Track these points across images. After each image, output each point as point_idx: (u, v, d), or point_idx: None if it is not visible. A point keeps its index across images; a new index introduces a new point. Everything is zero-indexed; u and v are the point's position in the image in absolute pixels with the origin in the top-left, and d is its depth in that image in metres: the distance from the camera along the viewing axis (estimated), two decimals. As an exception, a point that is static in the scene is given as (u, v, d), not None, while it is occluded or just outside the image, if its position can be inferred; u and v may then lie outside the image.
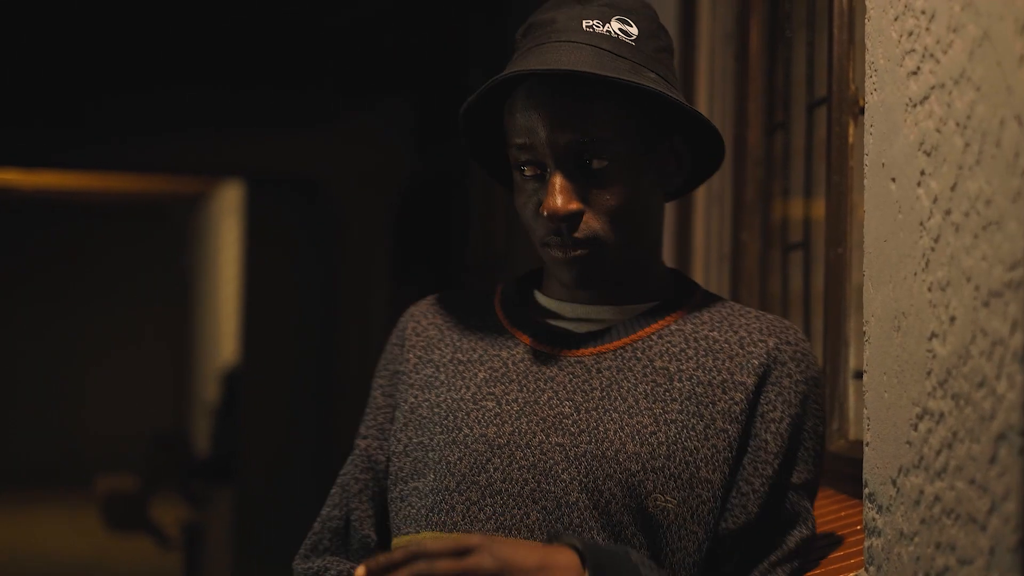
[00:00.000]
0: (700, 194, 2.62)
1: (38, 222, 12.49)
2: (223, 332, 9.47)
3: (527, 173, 1.40)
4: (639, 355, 1.41)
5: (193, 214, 12.15)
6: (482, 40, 5.01)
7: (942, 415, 1.18)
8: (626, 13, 1.41)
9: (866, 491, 1.37)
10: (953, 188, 1.17)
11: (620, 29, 1.40)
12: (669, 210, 2.72)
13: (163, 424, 11.29)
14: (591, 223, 1.38)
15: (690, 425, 1.37)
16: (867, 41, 1.39)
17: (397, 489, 1.43)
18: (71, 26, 5.73)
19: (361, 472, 1.48)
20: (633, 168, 1.39)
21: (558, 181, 1.37)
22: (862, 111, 1.81)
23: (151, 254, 12.81)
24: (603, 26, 1.39)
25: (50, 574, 8.08)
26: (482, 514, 1.36)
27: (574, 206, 1.37)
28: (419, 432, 1.44)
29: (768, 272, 2.39)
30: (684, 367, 1.40)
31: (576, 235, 1.38)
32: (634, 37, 1.40)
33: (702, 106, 2.62)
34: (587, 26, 1.39)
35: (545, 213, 1.37)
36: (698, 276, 2.64)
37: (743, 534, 1.36)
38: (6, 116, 6.20)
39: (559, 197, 1.37)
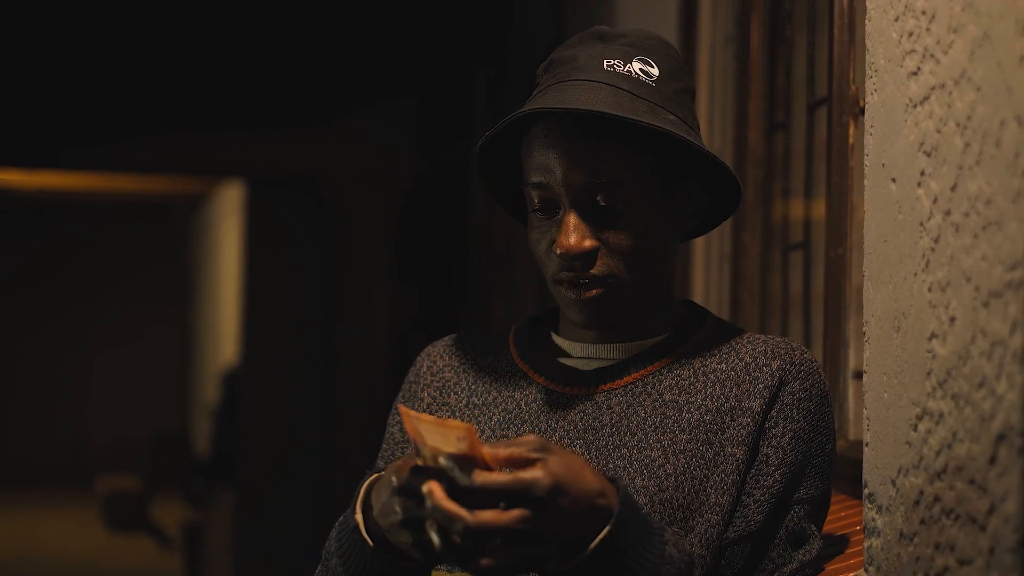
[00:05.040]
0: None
1: (40, 222, 12.50)
2: (224, 332, 9.47)
3: (541, 211, 1.41)
4: (649, 390, 1.41)
5: (194, 214, 12.15)
6: (484, 40, 5.01)
7: (942, 415, 1.18)
8: (648, 53, 1.41)
9: (866, 491, 1.37)
10: (953, 188, 1.17)
11: (641, 69, 1.39)
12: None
13: (164, 424, 11.29)
14: (607, 261, 1.38)
15: (699, 453, 1.36)
16: (867, 41, 1.39)
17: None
18: (73, 26, 5.73)
19: None
20: (649, 210, 1.39)
21: (572, 220, 1.37)
22: (862, 111, 1.81)
23: (152, 254, 12.82)
24: (624, 66, 1.39)
25: (51, 574, 8.08)
26: None
27: (588, 244, 1.37)
28: None
29: (768, 272, 2.39)
30: (693, 399, 1.40)
31: (593, 272, 1.38)
32: (655, 78, 1.39)
33: (703, 107, 2.62)
34: (608, 65, 1.39)
35: (558, 251, 1.37)
36: (698, 276, 2.64)
37: (744, 544, 1.35)
38: (9, 116, 6.20)
39: (572, 236, 1.37)
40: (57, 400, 12.57)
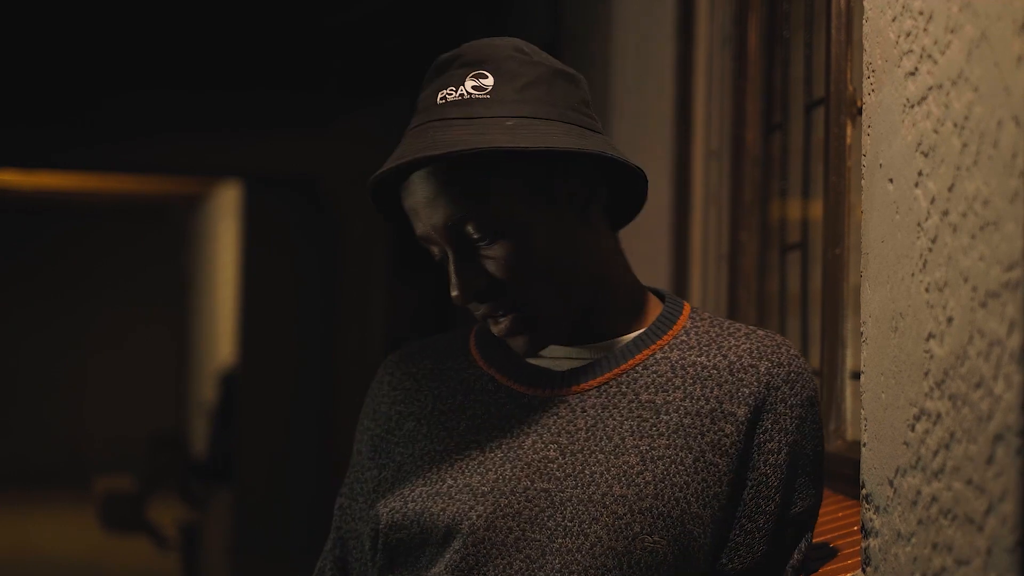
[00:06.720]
0: (698, 194, 2.62)
1: (37, 222, 12.50)
2: (221, 333, 9.47)
3: (438, 260, 1.38)
4: (624, 389, 1.36)
5: (192, 215, 12.15)
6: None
7: (939, 416, 1.18)
8: (480, 66, 1.36)
9: (863, 492, 1.37)
10: (951, 189, 1.17)
11: (473, 87, 1.34)
12: (667, 210, 2.71)
13: (161, 425, 11.29)
14: (509, 287, 1.34)
15: (679, 459, 1.32)
16: (865, 42, 1.39)
17: (393, 536, 1.39)
18: (71, 26, 5.73)
19: (357, 503, 1.46)
20: (526, 219, 1.33)
21: (453, 268, 1.35)
22: (860, 112, 1.81)
23: (150, 255, 12.82)
24: (456, 91, 1.34)
25: (48, 574, 8.07)
26: (464, 563, 1.31)
27: (476, 284, 1.34)
28: (401, 484, 1.40)
29: (766, 272, 2.39)
30: (671, 398, 1.35)
31: (500, 302, 1.34)
32: (489, 89, 1.34)
33: (700, 107, 2.62)
34: (441, 98, 1.35)
35: (456, 304, 1.36)
36: (696, 276, 2.64)
37: (748, 573, 1.34)
38: (6, 116, 6.20)
39: (456, 288, 1.34)
40: (54, 401, 12.57)
